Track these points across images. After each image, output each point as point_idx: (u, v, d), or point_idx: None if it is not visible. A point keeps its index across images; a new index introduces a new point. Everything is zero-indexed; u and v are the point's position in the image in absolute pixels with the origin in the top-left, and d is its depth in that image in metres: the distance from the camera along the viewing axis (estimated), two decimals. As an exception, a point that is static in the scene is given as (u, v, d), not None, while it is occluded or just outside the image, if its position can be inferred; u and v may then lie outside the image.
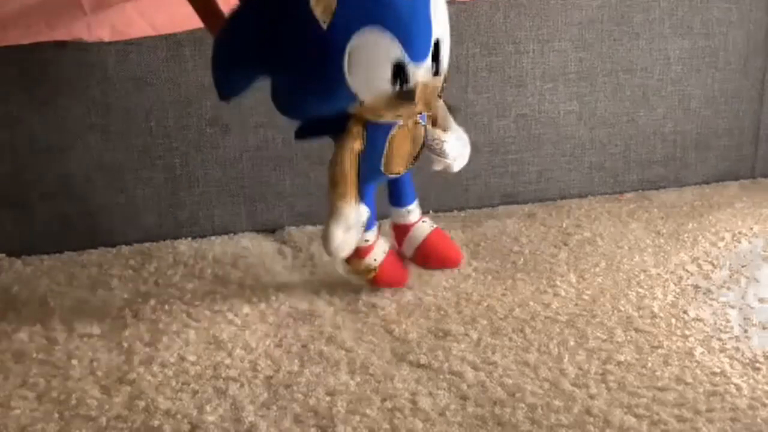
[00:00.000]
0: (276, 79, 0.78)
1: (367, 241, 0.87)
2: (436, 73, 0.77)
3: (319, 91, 0.76)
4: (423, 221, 0.93)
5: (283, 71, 0.76)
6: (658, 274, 0.94)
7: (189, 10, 1.02)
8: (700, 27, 1.26)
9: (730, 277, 0.93)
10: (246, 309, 0.87)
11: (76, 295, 0.93)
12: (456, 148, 0.87)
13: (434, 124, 0.86)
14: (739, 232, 1.08)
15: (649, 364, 0.72)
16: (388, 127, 0.80)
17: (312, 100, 0.78)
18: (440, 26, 0.76)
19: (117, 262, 1.03)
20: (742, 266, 0.96)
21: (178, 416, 0.66)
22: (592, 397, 0.67)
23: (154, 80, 1.06)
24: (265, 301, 0.89)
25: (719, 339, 0.77)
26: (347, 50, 0.71)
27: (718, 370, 0.70)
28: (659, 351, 0.74)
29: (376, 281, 0.89)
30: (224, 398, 0.68)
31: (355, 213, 0.80)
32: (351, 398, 0.68)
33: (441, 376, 0.71)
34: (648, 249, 1.03)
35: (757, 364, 0.71)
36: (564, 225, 1.14)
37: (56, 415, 0.67)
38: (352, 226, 0.80)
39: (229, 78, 0.80)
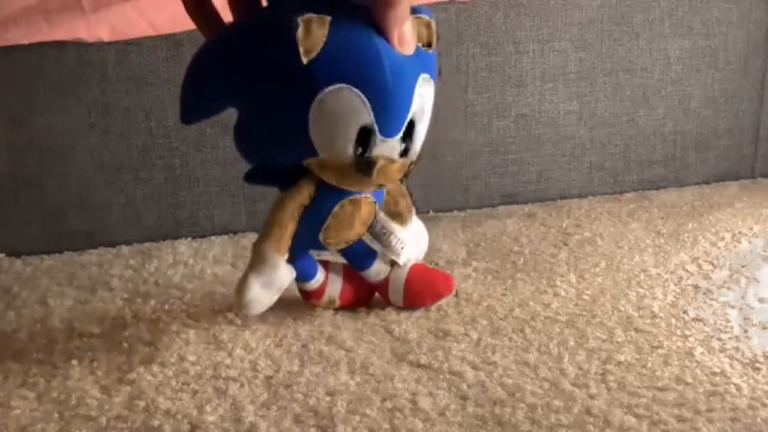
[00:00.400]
0: (241, 113, 0.73)
1: (318, 281, 0.83)
2: (405, 153, 0.72)
3: (279, 136, 0.71)
4: (397, 267, 0.85)
5: (250, 103, 0.71)
6: (658, 274, 0.94)
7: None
8: (700, 27, 1.27)
9: (730, 277, 0.93)
10: (246, 309, 0.87)
11: (76, 295, 0.93)
12: (405, 243, 0.81)
13: (393, 210, 0.81)
14: (739, 232, 1.08)
15: (649, 364, 0.72)
16: (339, 196, 0.75)
17: (272, 143, 0.72)
18: (419, 110, 0.71)
19: (117, 262, 1.03)
20: (742, 266, 0.96)
21: (178, 416, 0.65)
22: (592, 397, 0.67)
23: (154, 80, 1.06)
24: (265, 301, 0.88)
25: (719, 339, 0.77)
26: (317, 97, 0.66)
27: (718, 370, 0.70)
28: (659, 351, 0.74)
29: (342, 306, 0.86)
30: (224, 398, 0.68)
31: (280, 271, 0.75)
32: (351, 398, 0.68)
33: (441, 376, 0.71)
34: (648, 249, 1.03)
35: (757, 364, 0.71)
36: (564, 225, 1.14)
37: (56, 415, 0.66)
38: (273, 284, 0.75)
39: (197, 100, 0.74)
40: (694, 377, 0.69)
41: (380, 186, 0.75)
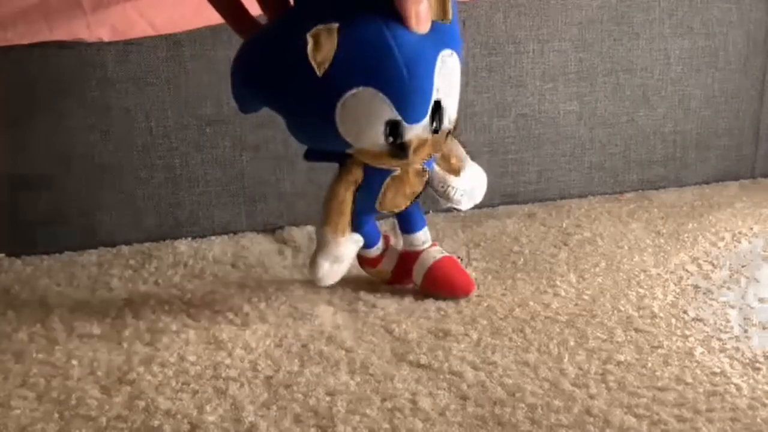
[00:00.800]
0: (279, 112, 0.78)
1: (378, 249, 0.89)
2: (436, 131, 0.74)
3: (314, 133, 0.75)
4: (435, 247, 0.89)
5: (281, 107, 0.76)
6: (658, 274, 0.94)
7: (189, 10, 1.02)
8: (700, 27, 1.26)
9: (730, 277, 0.93)
10: (246, 309, 0.87)
11: (76, 295, 0.93)
12: (464, 192, 0.85)
13: (449, 165, 0.85)
14: (739, 232, 1.08)
15: (649, 364, 0.72)
16: (387, 172, 0.79)
17: (310, 137, 0.77)
18: (445, 87, 0.73)
19: (117, 262, 1.03)
20: (742, 266, 0.96)
21: (178, 416, 0.65)
22: (592, 397, 0.67)
23: (154, 80, 1.06)
24: (265, 301, 0.89)
25: (719, 339, 0.77)
26: (340, 102, 0.69)
27: (718, 370, 0.70)
28: (659, 351, 0.74)
29: (390, 282, 0.91)
30: (224, 398, 0.68)
31: (344, 247, 0.80)
32: (351, 398, 0.68)
33: (441, 376, 0.71)
34: (648, 249, 1.03)
35: (757, 364, 0.71)
36: (564, 225, 1.14)
37: (56, 415, 0.66)
38: (341, 258, 0.80)
39: (243, 97, 0.79)
40: (694, 377, 0.69)
41: (421, 163, 0.79)
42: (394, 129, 0.71)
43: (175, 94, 1.07)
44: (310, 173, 1.13)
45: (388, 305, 0.87)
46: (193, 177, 1.11)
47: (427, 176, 0.83)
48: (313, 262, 0.80)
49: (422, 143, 0.73)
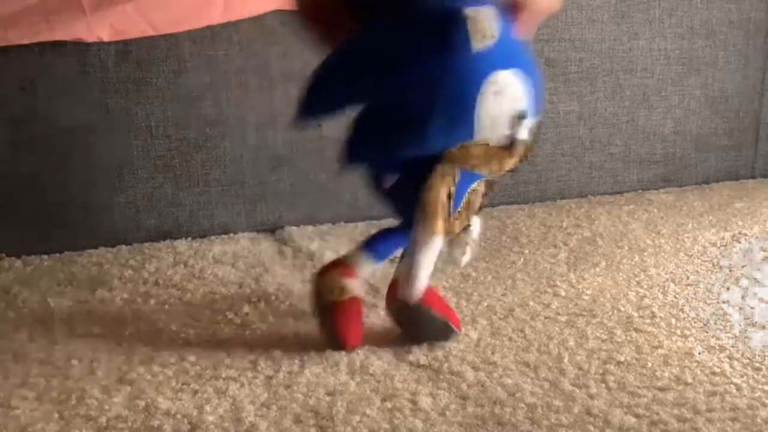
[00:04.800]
0: (373, 107, 0.76)
1: (377, 267, 0.83)
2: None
3: (443, 119, 0.73)
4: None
5: (403, 93, 0.73)
6: (658, 274, 0.94)
7: (189, 10, 1.03)
8: (700, 27, 1.27)
9: (730, 277, 0.93)
10: (246, 309, 0.87)
11: (76, 295, 0.93)
12: (474, 237, 0.87)
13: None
14: (739, 232, 1.08)
15: (649, 364, 0.72)
16: (473, 179, 0.78)
17: (428, 128, 0.73)
18: None
19: (117, 262, 1.03)
20: (742, 266, 0.96)
21: (178, 416, 0.66)
22: (592, 397, 0.67)
23: (154, 80, 1.06)
24: (265, 301, 0.89)
25: (719, 339, 0.77)
26: (487, 80, 0.71)
27: (718, 370, 0.70)
28: (659, 351, 0.74)
29: (330, 314, 0.78)
30: (224, 398, 0.68)
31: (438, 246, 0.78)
32: (351, 398, 0.68)
33: (441, 376, 0.71)
34: (648, 249, 1.03)
35: (757, 364, 0.71)
36: (564, 225, 1.14)
37: (56, 415, 0.67)
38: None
39: (326, 97, 0.77)
40: (694, 377, 0.69)
41: (512, 169, 0.80)
42: (517, 121, 0.74)
43: (175, 94, 1.07)
44: (310, 173, 1.13)
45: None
46: (193, 177, 1.11)
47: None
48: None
49: (525, 145, 0.76)
